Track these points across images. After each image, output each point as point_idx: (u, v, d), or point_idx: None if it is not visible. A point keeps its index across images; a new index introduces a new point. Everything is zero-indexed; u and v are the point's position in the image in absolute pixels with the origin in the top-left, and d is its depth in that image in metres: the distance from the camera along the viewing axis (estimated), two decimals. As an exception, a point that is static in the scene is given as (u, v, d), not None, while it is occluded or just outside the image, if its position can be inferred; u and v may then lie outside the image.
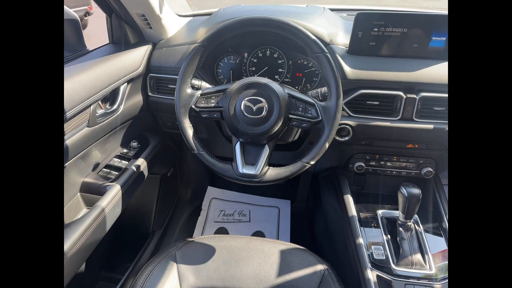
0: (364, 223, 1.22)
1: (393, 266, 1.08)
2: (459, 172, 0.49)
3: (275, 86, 1.02)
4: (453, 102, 0.52)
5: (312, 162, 1.03)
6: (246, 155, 1.08)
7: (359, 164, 1.32)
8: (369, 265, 1.07)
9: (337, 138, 1.24)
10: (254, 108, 1.00)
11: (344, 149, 1.32)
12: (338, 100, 1.00)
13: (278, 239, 1.95)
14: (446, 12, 1.15)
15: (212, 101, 1.06)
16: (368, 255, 1.10)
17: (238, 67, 1.41)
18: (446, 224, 1.20)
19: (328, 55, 0.99)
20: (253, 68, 1.40)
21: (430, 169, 1.28)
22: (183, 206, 2.05)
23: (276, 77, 1.39)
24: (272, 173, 1.04)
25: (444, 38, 1.16)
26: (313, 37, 0.99)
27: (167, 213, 1.89)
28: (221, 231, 1.99)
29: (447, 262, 1.09)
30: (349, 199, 1.28)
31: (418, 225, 1.21)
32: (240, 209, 2.12)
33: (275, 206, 2.15)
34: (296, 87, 1.39)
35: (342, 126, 1.22)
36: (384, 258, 1.10)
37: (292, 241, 1.97)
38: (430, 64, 1.17)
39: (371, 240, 1.16)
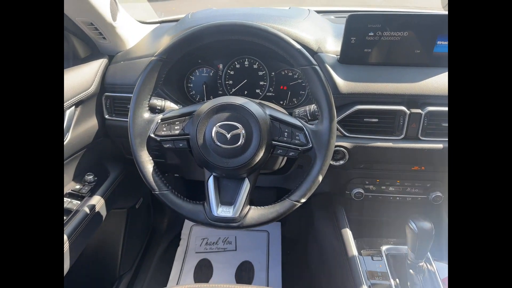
0: (367, 263, 1.03)
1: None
2: (460, 180, 0.49)
3: (254, 107, 0.82)
4: (454, 113, 0.51)
5: (303, 200, 0.83)
6: (222, 192, 0.88)
7: (357, 191, 1.13)
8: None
9: (330, 162, 1.05)
10: (229, 135, 0.80)
11: (340, 174, 1.13)
12: (332, 123, 0.81)
13: (268, 269, 1.75)
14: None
15: (176, 127, 0.86)
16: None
17: (213, 81, 1.21)
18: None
19: (317, 68, 0.80)
20: (230, 82, 1.20)
21: (439, 193, 1.10)
22: (158, 238, 1.82)
23: (257, 91, 1.20)
24: (254, 214, 0.84)
25: (451, 42, 0.99)
26: (298, 46, 0.80)
27: (137, 251, 1.66)
28: (204, 263, 1.77)
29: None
30: (348, 235, 1.09)
31: (431, 264, 1.02)
32: (225, 235, 1.90)
33: (264, 230, 1.94)
34: (281, 102, 1.20)
35: (337, 148, 1.03)
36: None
37: (284, 269, 1.78)
38: (436, 73, 1.00)
39: (376, 284, 0.96)
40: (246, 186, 0.86)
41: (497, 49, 0.49)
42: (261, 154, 0.81)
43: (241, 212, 0.84)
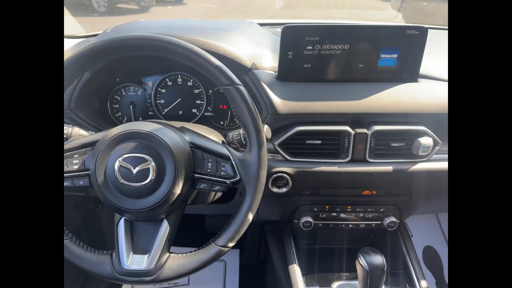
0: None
1: None
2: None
3: (167, 134, 0.69)
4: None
5: (231, 244, 0.70)
6: (136, 237, 0.73)
7: (305, 220, 1.01)
8: None
9: (273, 189, 0.93)
10: (134, 171, 0.66)
11: (286, 201, 1.01)
12: (261, 151, 0.69)
13: (223, 304, 1.58)
14: (395, 23, 0.91)
15: (74, 160, 0.71)
16: None
17: (142, 101, 1.07)
18: (420, 292, 0.93)
19: (241, 88, 0.69)
20: (162, 101, 1.07)
21: (393, 219, 1.01)
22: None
23: (194, 110, 1.07)
24: (173, 264, 0.70)
25: (395, 56, 0.92)
26: (217, 63, 0.68)
27: None
28: (151, 301, 1.58)
29: None
30: (295, 271, 0.97)
31: (387, 302, 0.92)
32: (176, 268, 1.72)
33: (221, 260, 1.78)
34: (221, 123, 1.08)
35: (279, 175, 0.91)
36: None
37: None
38: (382, 89, 0.92)
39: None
40: (164, 230, 0.72)
41: (496, 60, 0.49)
42: (177, 190, 0.68)
43: (157, 262, 0.70)
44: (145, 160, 0.66)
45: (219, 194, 0.94)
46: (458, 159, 0.51)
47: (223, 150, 0.72)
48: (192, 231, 1.86)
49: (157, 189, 0.67)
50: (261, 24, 1.31)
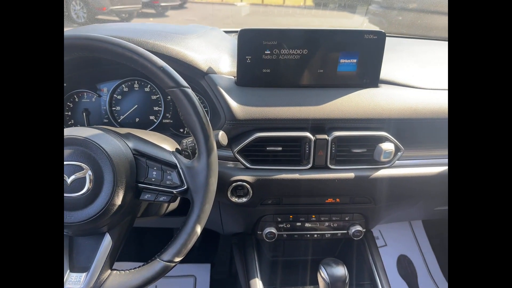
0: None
1: None
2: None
3: (106, 141, 0.64)
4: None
5: (178, 259, 0.65)
6: (75, 253, 0.67)
7: (268, 231, 0.97)
8: None
9: (233, 199, 0.89)
10: (69, 180, 0.60)
11: (247, 212, 0.97)
12: (210, 158, 0.65)
13: (192, 322, 1.50)
14: (354, 28, 0.90)
15: None
16: None
17: (96, 108, 1.01)
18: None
19: (188, 90, 0.65)
20: (117, 108, 1.01)
21: (359, 228, 0.98)
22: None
23: (152, 117, 1.02)
24: (114, 283, 0.64)
25: (354, 60, 0.90)
26: (161, 64, 0.64)
27: None
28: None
29: None
30: (256, 285, 0.92)
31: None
32: (143, 285, 1.63)
33: (191, 275, 1.70)
34: (181, 130, 1.03)
35: (239, 184, 0.87)
36: None
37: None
38: (342, 94, 0.90)
39: None
40: (106, 245, 0.66)
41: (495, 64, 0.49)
42: (118, 201, 0.63)
43: (96, 280, 0.63)
44: (81, 169, 0.61)
45: (174, 205, 0.89)
46: (458, 164, 0.51)
47: (170, 158, 0.67)
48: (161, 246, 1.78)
49: (94, 200, 0.61)
50: (228, 32, 1.29)
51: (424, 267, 1.73)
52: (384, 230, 1.84)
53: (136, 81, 1.01)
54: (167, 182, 0.66)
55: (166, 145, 0.77)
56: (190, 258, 1.73)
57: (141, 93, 1.01)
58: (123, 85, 1.00)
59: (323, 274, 0.77)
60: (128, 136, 0.70)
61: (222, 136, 0.77)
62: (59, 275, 0.49)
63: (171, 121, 1.03)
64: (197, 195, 0.65)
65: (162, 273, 0.65)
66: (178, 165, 0.67)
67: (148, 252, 1.73)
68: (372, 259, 0.99)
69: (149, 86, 1.01)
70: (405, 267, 1.73)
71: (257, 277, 0.94)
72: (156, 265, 0.65)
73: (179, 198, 0.75)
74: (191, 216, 0.65)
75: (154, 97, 1.01)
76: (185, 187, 0.66)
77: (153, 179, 0.66)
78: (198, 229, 0.65)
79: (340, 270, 0.77)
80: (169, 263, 0.65)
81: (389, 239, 1.82)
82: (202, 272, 1.70)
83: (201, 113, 0.65)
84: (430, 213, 1.25)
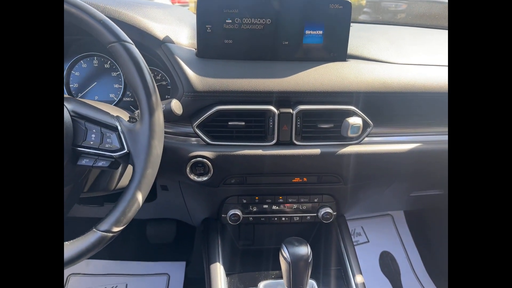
0: (238, 308, 0.79)
1: None
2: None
3: None
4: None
5: (117, 229, 0.59)
6: None
7: (232, 213, 0.91)
8: None
9: (191, 177, 0.83)
10: None
11: (210, 193, 0.91)
12: (152, 118, 0.60)
13: (162, 322, 1.42)
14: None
15: None
16: None
17: None
18: (354, 291, 0.84)
19: (129, 45, 0.60)
20: (75, 85, 0.96)
21: (329, 209, 0.93)
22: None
23: (112, 95, 0.97)
24: None
25: (320, 32, 0.87)
26: (101, 16, 0.60)
27: None
28: (79, 322, 1.39)
29: None
30: (217, 270, 0.85)
31: (317, 300, 0.82)
32: (113, 284, 1.54)
33: (164, 273, 1.62)
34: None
35: (198, 159, 0.82)
36: None
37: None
38: (309, 67, 0.86)
39: None
40: None
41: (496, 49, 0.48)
42: None
43: None
44: None
45: (126, 180, 0.83)
46: (459, 155, 0.49)
47: (111, 120, 0.62)
48: (134, 242, 1.71)
49: None
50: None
51: (408, 264, 1.67)
52: (367, 226, 1.78)
53: (95, 57, 0.96)
54: (106, 146, 0.61)
55: (113, 111, 0.71)
56: (165, 256, 1.66)
57: (100, 70, 0.96)
58: (81, 61, 0.95)
59: (284, 253, 0.72)
60: (68, 99, 0.65)
61: (175, 104, 0.72)
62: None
63: (132, 99, 0.98)
64: (138, 160, 0.60)
65: (98, 244, 0.58)
66: (118, 127, 0.61)
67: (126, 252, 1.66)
68: (343, 244, 0.93)
69: (109, 62, 0.96)
70: (388, 264, 1.67)
71: (218, 261, 0.87)
72: (91, 236, 0.58)
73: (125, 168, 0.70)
74: (131, 182, 0.60)
75: (114, 74, 0.96)
76: (126, 150, 0.60)
77: (91, 142, 0.61)
78: (139, 197, 0.60)
79: (303, 249, 0.71)
80: (106, 233, 0.58)
81: (372, 236, 1.76)
82: (176, 271, 1.63)
83: (143, 69, 0.60)
84: (407, 201, 1.21)
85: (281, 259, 0.73)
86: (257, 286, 0.83)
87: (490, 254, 0.45)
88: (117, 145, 0.61)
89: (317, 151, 0.84)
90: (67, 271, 1.54)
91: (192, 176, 0.83)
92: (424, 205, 1.28)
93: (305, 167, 0.86)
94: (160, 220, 1.63)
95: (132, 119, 0.70)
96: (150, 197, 1.02)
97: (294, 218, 0.95)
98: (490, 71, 0.48)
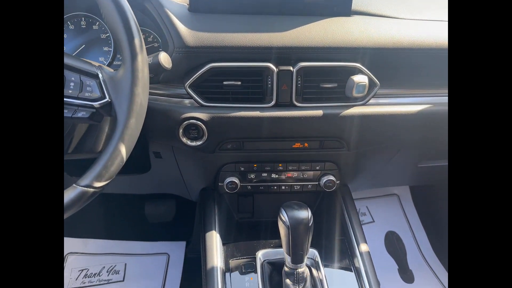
0: (234, 278, 0.74)
1: None
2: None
3: None
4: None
5: (98, 184, 0.54)
6: None
7: (230, 181, 0.86)
8: None
9: (184, 140, 0.78)
10: None
11: (207, 160, 0.86)
12: (134, 63, 0.55)
13: (161, 300, 1.39)
14: None
15: None
16: None
17: None
18: (359, 261, 0.78)
19: None
20: (63, 47, 0.90)
21: (331, 177, 0.87)
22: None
23: (101, 59, 0.91)
24: None
25: (322, -16, 0.80)
26: None
27: None
28: (77, 301, 1.37)
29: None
30: (213, 238, 0.81)
31: (318, 268, 0.77)
32: (111, 264, 1.51)
33: (164, 253, 1.59)
34: None
35: (191, 122, 0.76)
36: None
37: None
38: (310, 21, 0.80)
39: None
40: None
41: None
42: None
43: None
44: None
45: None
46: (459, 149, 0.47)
47: (91, 68, 0.57)
48: (133, 222, 1.67)
49: None
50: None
51: (414, 244, 1.62)
52: (372, 206, 1.73)
53: (82, 18, 0.90)
54: (86, 94, 0.55)
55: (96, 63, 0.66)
56: (164, 236, 1.63)
57: (89, 32, 0.90)
58: (68, 22, 0.90)
59: (283, 217, 0.66)
60: None
61: (164, 57, 0.67)
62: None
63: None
64: (120, 109, 0.55)
65: (78, 200, 0.54)
66: (99, 75, 0.56)
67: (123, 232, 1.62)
68: (346, 213, 0.88)
69: (97, 23, 0.90)
70: (394, 243, 1.62)
71: (214, 230, 0.82)
72: (71, 192, 0.54)
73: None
74: (113, 133, 0.55)
75: (103, 35, 0.91)
76: (107, 99, 0.55)
77: (70, 91, 0.55)
78: (123, 149, 0.54)
79: (303, 213, 0.66)
80: (87, 189, 0.54)
81: (377, 216, 1.71)
82: (176, 250, 1.59)
83: (125, 8, 0.54)
84: (414, 173, 1.15)
85: (280, 224, 0.68)
86: (255, 255, 0.78)
87: (491, 229, 0.44)
88: (97, 93, 0.55)
89: (319, 112, 0.78)
90: (65, 250, 1.51)
91: (185, 140, 0.78)
92: (432, 179, 1.22)
93: (306, 131, 0.80)
94: (158, 198, 1.60)
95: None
96: (144, 167, 0.97)
97: (295, 187, 0.90)
98: (492, 34, 0.46)
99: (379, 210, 1.71)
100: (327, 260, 0.79)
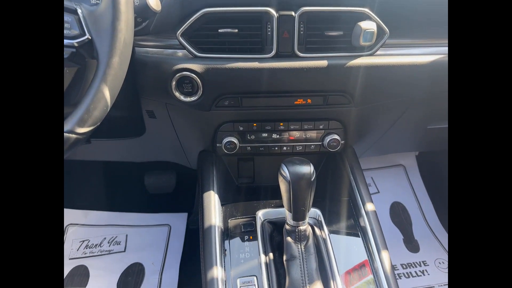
0: (233, 237, 0.71)
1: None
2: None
3: None
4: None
5: (81, 130, 0.50)
6: None
7: (228, 141, 0.81)
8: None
9: (176, 95, 0.73)
10: None
11: (203, 118, 0.81)
12: None
13: (162, 271, 1.38)
14: None
15: None
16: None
17: None
18: (365, 220, 0.74)
19: None
20: None
21: (335, 136, 0.82)
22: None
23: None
24: None
25: None
26: None
27: None
28: (78, 271, 1.36)
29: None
30: (211, 197, 0.77)
31: (321, 228, 0.73)
32: (112, 235, 1.50)
33: (165, 224, 1.57)
34: None
35: (184, 74, 0.71)
36: (258, 300, 0.60)
37: (182, 268, 1.42)
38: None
39: (239, 268, 0.65)
40: None
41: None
42: None
43: None
44: None
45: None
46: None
47: (68, 2, 0.51)
48: (133, 194, 1.65)
49: None
50: None
51: (420, 214, 1.58)
52: (377, 177, 1.69)
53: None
54: (64, 32, 0.50)
55: None
56: (166, 208, 1.61)
57: None
58: None
59: (284, 172, 0.62)
60: None
61: None
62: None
63: None
64: (102, 46, 0.49)
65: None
66: (78, 10, 0.50)
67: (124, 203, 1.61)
68: (351, 174, 0.83)
69: None
70: (399, 214, 1.58)
71: (213, 190, 0.78)
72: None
73: None
74: (95, 74, 0.50)
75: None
76: (87, 36, 0.50)
77: None
78: (106, 92, 0.49)
79: (305, 168, 0.62)
80: (69, 134, 0.49)
81: (382, 187, 1.67)
82: (178, 222, 1.57)
83: None
84: (423, 137, 1.09)
85: (280, 179, 0.63)
86: (254, 214, 0.74)
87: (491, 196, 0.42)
88: (76, 30, 0.50)
89: (323, 63, 0.72)
90: (64, 221, 1.50)
91: (178, 95, 0.73)
92: (441, 144, 1.16)
93: (309, 84, 0.74)
94: (157, 168, 1.57)
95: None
96: (139, 130, 0.92)
97: (297, 147, 0.85)
98: None
99: (385, 181, 1.67)
100: (331, 220, 0.75)
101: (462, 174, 0.44)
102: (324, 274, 0.64)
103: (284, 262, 0.63)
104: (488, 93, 0.44)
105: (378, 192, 1.64)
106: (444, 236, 1.51)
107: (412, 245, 1.47)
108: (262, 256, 0.66)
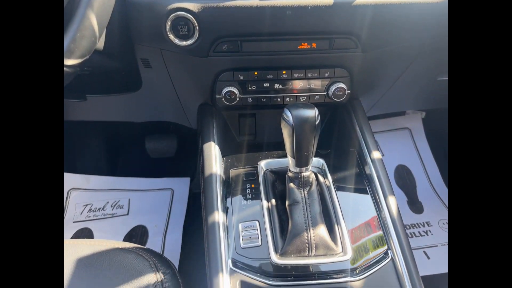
0: (235, 187, 0.69)
1: (274, 257, 0.56)
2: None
3: None
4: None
5: (70, 62, 0.47)
6: None
7: (228, 91, 0.77)
8: (227, 265, 0.54)
9: (171, 38, 0.68)
10: None
11: (200, 66, 0.77)
12: None
13: (166, 233, 1.39)
14: None
15: None
16: (229, 244, 0.58)
17: None
18: (371, 168, 0.72)
19: None
20: None
21: (342, 85, 0.78)
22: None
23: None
24: None
25: None
26: None
27: None
28: (82, 233, 1.37)
29: (370, 236, 0.60)
30: (211, 148, 0.74)
31: (325, 176, 0.70)
32: (115, 199, 1.50)
33: (168, 188, 1.57)
34: None
35: (179, 14, 0.66)
36: (260, 243, 0.58)
37: (186, 230, 1.43)
38: None
39: (241, 214, 0.63)
40: None
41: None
42: None
43: None
44: None
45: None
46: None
47: None
48: (135, 158, 1.64)
49: None
50: None
51: (424, 177, 1.56)
52: (382, 141, 1.65)
53: None
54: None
55: None
56: (169, 172, 1.60)
57: None
58: None
59: (286, 116, 0.59)
60: None
61: None
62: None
63: None
64: None
65: None
66: None
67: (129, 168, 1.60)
68: (357, 124, 0.80)
69: None
70: (404, 177, 1.57)
71: (213, 141, 0.75)
72: None
73: None
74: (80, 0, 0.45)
75: None
76: None
77: None
78: (93, 18, 0.45)
79: (309, 111, 0.58)
80: None
81: (387, 150, 1.64)
82: (181, 186, 1.57)
83: None
84: (432, 91, 1.04)
85: (283, 124, 0.60)
86: (256, 164, 0.72)
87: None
88: None
89: (329, 0, 0.67)
90: (66, 186, 1.50)
91: (172, 38, 0.68)
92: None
93: (314, 25, 0.69)
94: (157, 130, 1.54)
95: None
96: (135, 84, 0.89)
97: (301, 98, 0.81)
98: None
99: (390, 144, 1.64)
100: (335, 168, 0.73)
101: (462, 133, 0.44)
102: (328, 219, 0.62)
103: (287, 207, 0.61)
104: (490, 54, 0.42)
105: (383, 155, 1.62)
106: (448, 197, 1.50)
107: (416, 206, 1.46)
108: (265, 202, 0.64)
